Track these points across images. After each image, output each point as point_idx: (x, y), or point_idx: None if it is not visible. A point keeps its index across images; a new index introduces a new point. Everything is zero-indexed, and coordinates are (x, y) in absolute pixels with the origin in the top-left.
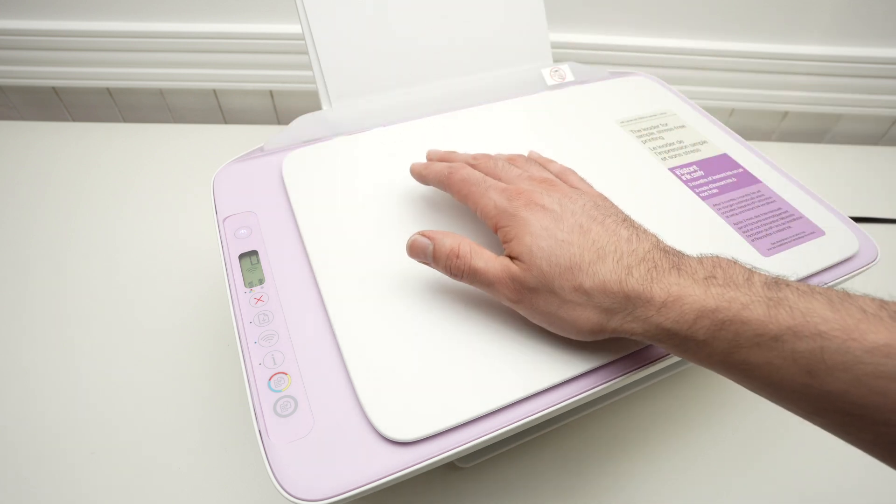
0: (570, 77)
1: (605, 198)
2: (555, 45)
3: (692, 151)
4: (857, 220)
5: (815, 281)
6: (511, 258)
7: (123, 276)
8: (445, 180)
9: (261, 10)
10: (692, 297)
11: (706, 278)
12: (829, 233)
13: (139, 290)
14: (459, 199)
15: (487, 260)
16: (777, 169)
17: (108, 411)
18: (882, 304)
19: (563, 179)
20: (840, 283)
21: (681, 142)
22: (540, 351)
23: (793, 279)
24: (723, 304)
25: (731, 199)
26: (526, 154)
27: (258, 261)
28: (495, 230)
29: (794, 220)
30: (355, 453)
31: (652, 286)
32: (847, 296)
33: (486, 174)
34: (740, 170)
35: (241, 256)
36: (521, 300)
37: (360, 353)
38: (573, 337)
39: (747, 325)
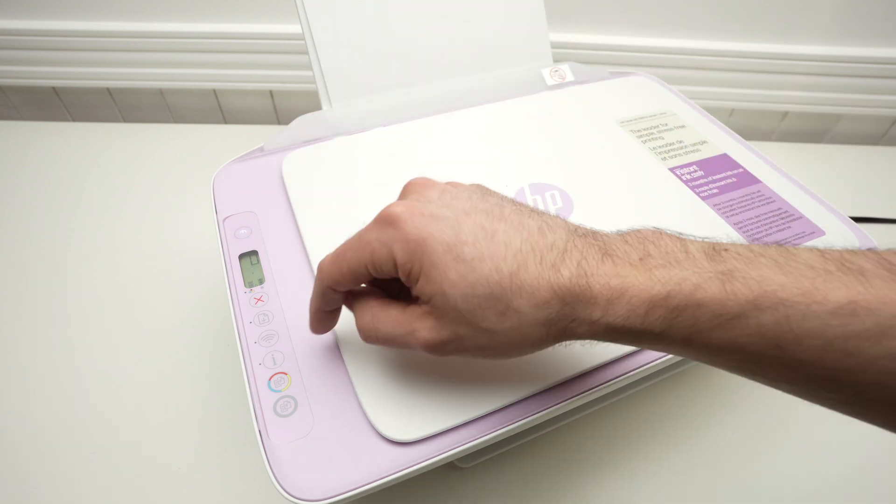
0: (570, 77)
1: (480, 184)
2: (555, 45)
3: (692, 151)
4: (857, 220)
5: None
6: (422, 300)
7: (123, 275)
8: (320, 282)
9: (261, 10)
10: (637, 286)
11: (642, 259)
12: (829, 233)
13: (139, 289)
14: (354, 284)
15: (394, 322)
16: (777, 169)
17: (108, 411)
18: (822, 255)
19: (425, 178)
20: None
21: (681, 142)
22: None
23: (725, 240)
24: (673, 288)
25: (731, 199)
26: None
27: (258, 261)
28: (405, 277)
29: (794, 220)
30: (355, 453)
31: (589, 282)
32: (788, 252)
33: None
34: (740, 170)
35: (241, 256)
36: (445, 352)
37: (360, 352)
38: (512, 357)
39: (704, 307)
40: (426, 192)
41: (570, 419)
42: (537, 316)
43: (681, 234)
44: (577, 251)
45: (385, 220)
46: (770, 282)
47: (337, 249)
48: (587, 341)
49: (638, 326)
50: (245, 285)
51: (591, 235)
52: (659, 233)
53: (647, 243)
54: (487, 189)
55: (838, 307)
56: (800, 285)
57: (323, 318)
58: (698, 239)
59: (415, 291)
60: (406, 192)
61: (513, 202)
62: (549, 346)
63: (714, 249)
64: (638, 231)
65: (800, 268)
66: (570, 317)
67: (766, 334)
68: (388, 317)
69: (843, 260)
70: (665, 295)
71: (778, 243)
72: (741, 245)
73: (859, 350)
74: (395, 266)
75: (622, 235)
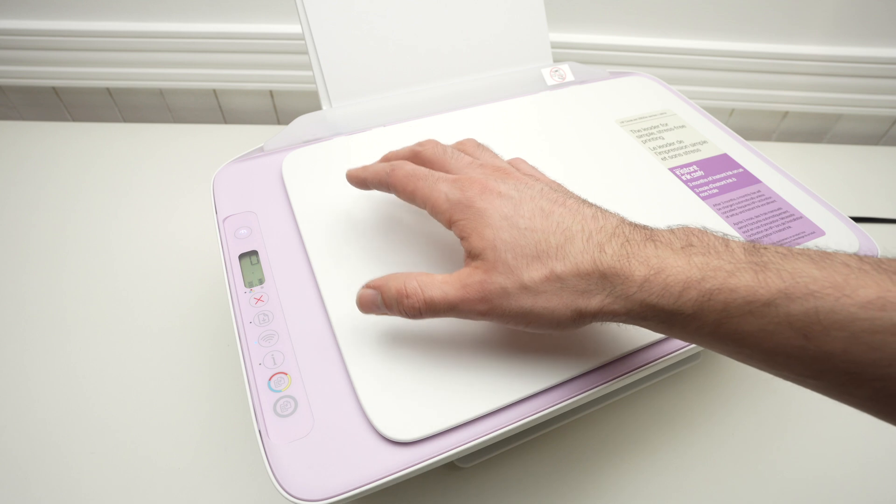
0: (570, 77)
1: (560, 184)
2: (555, 45)
3: (692, 151)
4: (857, 220)
5: None
6: (471, 257)
7: (123, 275)
8: (387, 179)
9: (261, 10)
10: (675, 267)
11: (684, 248)
12: (830, 233)
13: (139, 289)
14: (406, 199)
15: (442, 284)
16: (777, 169)
17: (107, 411)
18: (860, 258)
19: (515, 167)
20: None
21: (681, 142)
22: (540, 351)
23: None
24: (708, 273)
25: (731, 199)
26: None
27: (258, 261)
28: (449, 226)
29: (794, 219)
30: (355, 453)
31: (630, 261)
32: (826, 254)
33: (434, 163)
34: (740, 170)
35: (241, 256)
36: (492, 308)
37: (361, 352)
38: (555, 331)
39: (736, 293)
40: (505, 178)
41: (571, 419)
42: (578, 285)
43: (726, 234)
44: (622, 235)
45: (461, 182)
46: (803, 274)
47: (416, 171)
48: (622, 321)
49: (671, 305)
50: (245, 285)
51: (642, 226)
52: (704, 231)
53: (691, 236)
54: (560, 186)
55: (867, 301)
56: (832, 279)
57: (361, 186)
58: (743, 239)
59: (465, 247)
60: (497, 171)
61: (581, 198)
62: (587, 321)
63: (753, 246)
64: (685, 227)
65: (835, 265)
66: (608, 291)
67: (794, 323)
68: (435, 280)
69: (879, 262)
70: (700, 278)
71: (819, 248)
72: (781, 246)
73: (885, 344)
74: (448, 221)
75: (670, 229)
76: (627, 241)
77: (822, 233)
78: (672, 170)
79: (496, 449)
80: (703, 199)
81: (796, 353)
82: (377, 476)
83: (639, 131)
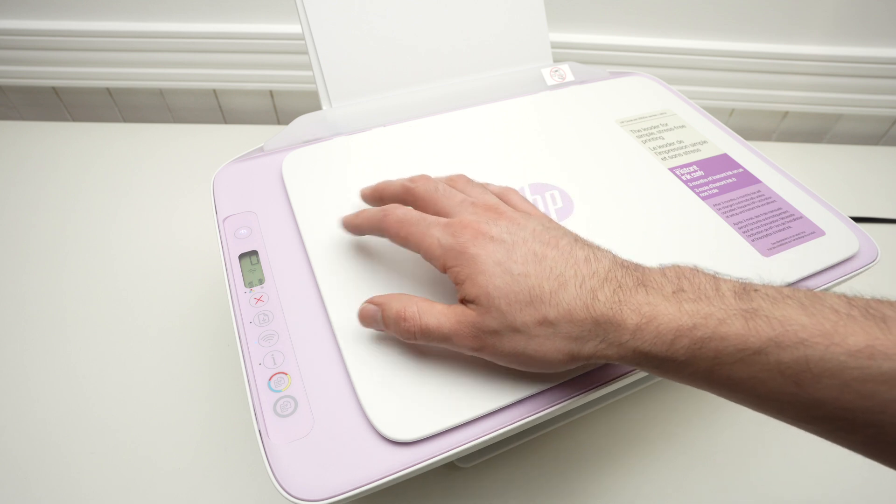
0: (570, 77)
1: (551, 219)
2: (555, 45)
3: (692, 151)
4: (857, 220)
5: (815, 281)
6: (465, 302)
7: (123, 275)
8: (380, 224)
9: (261, 10)
10: (666, 315)
11: (675, 293)
12: (830, 233)
13: (139, 289)
14: (399, 243)
15: (439, 315)
16: (777, 169)
17: (107, 411)
18: (849, 301)
19: (505, 200)
20: (840, 283)
21: (681, 142)
22: None
23: (758, 282)
24: (699, 321)
25: (731, 199)
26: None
27: (258, 261)
28: (444, 271)
29: (794, 220)
30: (355, 453)
31: (622, 308)
32: (815, 297)
33: (426, 202)
34: (740, 170)
35: (241, 256)
36: (484, 346)
37: (361, 352)
38: (546, 371)
39: (727, 341)
40: (498, 220)
41: (571, 419)
42: (571, 331)
43: (717, 273)
44: (615, 280)
45: (453, 227)
46: (792, 322)
47: (408, 215)
48: (616, 364)
49: (663, 353)
50: (245, 285)
51: (633, 267)
52: (695, 270)
53: (682, 279)
54: (553, 222)
55: (856, 350)
56: (821, 327)
57: (356, 233)
58: (733, 279)
59: (460, 293)
60: (487, 211)
61: (568, 234)
62: (579, 364)
63: (744, 289)
64: (677, 267)
65: (824, 311)
66: (601, 338)
67: (785, 371)
68: (434, 309)
69: (867, 306)
70: (691, 326)
71: (809, 290)
72: (772, 287)
73: (875, 393)
74: (442, 267)
75: (661, 269)
76: (620, 286)
77: (822, 233)
78: (672, 170)
79: (496, 449)
80: (703, 199)
81: (789, 399)
82: (377, 476)
83: (639, 131)
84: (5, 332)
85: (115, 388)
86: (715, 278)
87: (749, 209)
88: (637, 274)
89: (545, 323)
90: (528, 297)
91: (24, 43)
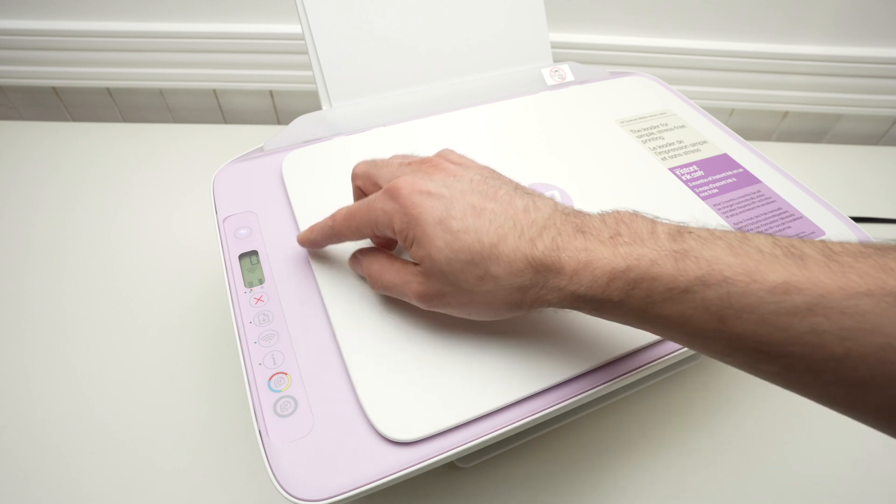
0: (570, 77)
1: (492, 169)
2: (555, 45)
3: (692, 151)
4: (857, 220)
5: None
6: (414, 263)
7: (123, 275)
8: (332, 230)
9: (261, 10)
10: (602, 259)
11: (612, 237)
12: (830, 233)
13: (139, 289)
14: (358, 237)
15: (394, 275)
16: (777, 169)
17: (107, 411)
18: (774, 241)
19: (444, 157)
20: None
21: (681, 142)
22: (540, 351)
23: (694, 224)
24: (632, 263)
25: (731, 199)
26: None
27: (258, 261)
28: (398, 238)
29: (794, 219)
30: (355, 453)
31: (560, 255)
32: (744, 237)
33: (367, 181)
34: (740, 170)
35: (241, 256)
36: (431, 304)
37: (361, 352)
38: (494, 319)
39: (658, 281)
40: (433, 174)
41: (571, 419)
42: (512, 282)
43: (656, 217)
44: (554, 228)
45: (390, 193)
46: (719, 262)
47: (350, 208)
48: (557, 308)
49: (599, 295)
50: (245, 285)
51: (573, 214)
52: (634, 215)
53: (620, 224)
54: (495, 173)
55: (774, 286)
56: (744, 266)
57: (315, 247)
58: (671, 222)
59: (410, 254)
60: (422, 165)
61: (513, 185)
62: (524, 311)
63: (678, 231)
64: (616, 212)
65: (749, 251)
66: (541, 284)
67: (710, 308)
68: (392, 267)
69: (790, 246)
70: (625, 268)
71: (740, 229)
72: (705, 229)
73: (789, 325)
74: (394, 232)
75: (601, 215)
76: (559, 233)
77: (822, 232)
78: (672, 170)
79: (496, 449)
80: (703, 199)
81: (712, 335)
82: (377, 476)
83: (639, 131)
84: (5, 332)
85: (115, 388)
86: (653, 222)
87: (749, 209)
88: (576, 221)
89: (487, 278)
90: (469, 254)
91: (24, 43)
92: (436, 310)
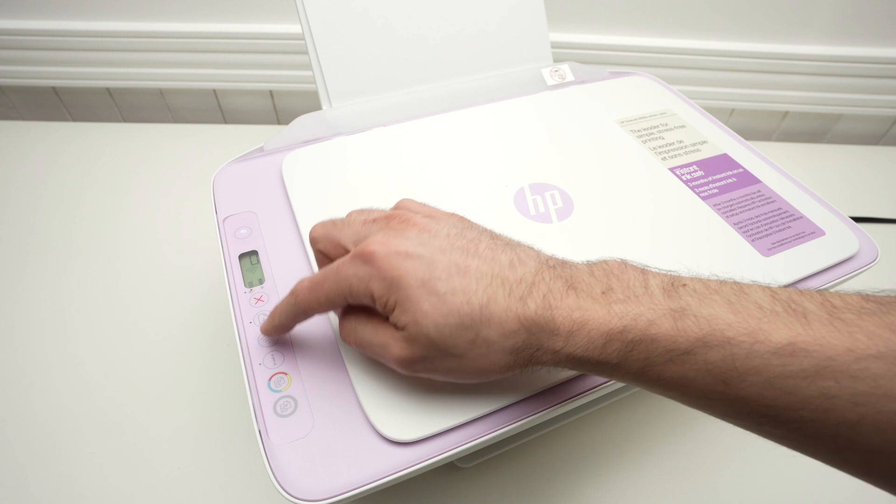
0: (570, 77)
1: (462, 217)
2: (555, 45)
3: (692, 151)
4: (857, 220)
5: (815, 281)
6: (396, 327)
7: (123, 275)
8: (296, 307)
9: (261, 10)
10: (596, 320)
11: (604, 293)
12: (830, 233)
13: (139, 290)
14: (328, 308)
15: (373, 331)
16: (777, 169)
17: (107, 411)
18: (773, 295)
19: (407, 209)
20: (840, 283)
21: (681, 142)
22: None
23: (686, 274)
24: (629, 323)
25: (731, 199)
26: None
27: (258, 261)
28: (377, 306)
29: (794, 220)
30: (355, 453)
31: (553, 315)
32: (741, 290)
33: (328, 245)
34: (740, 170)
35: (241, 256)
36: (414, 370)
37: (361, 353)
38: (480, 381)
39: (657, 343)
40: (406, 231)
41: (570, 419)
42: (505, 344)
43: (645, 266)
44: (543, 284)
45: (363, 257)
46: (719, 320)
47: (314, 278)
48: (552, 368)
49: (596, 357)
50: (245, 285)
51: (560, 266)
52: (623, 265)
53: (610, 277)
54: (467, 223)
55: (779, 347)
56: (746, 325)
57: (283, 331)
58: (661, 272)
59: (391, 320)
60: (390, 222)
61: (490, 236)
62: (516, 372)
63: (672, 285)
64: (605, 263)
65: (749, 307)
66: (535, 346)
67: (713, 370)
68: (368, 325)
69: (790, 301)
70: (622, 329)
71: (734, 280)
72: (699, 281)
73: (797, 388)
74: (373, 299)
75: (589, 267)
76: (549, 290)
77: (822, 233)
78: (672, 170)
79: (496, 449)
80: (703, 199)
81: (717, 397)
82: (377, 476)
83: (639, 131)
84: (5, 332)
85: (115, 388)
86: (644, 273)
87: (749, 209)
88: (565, 275)
89: (479, 342)
90: (458, 317)
91: (24, 43)
92: (417, 375)
